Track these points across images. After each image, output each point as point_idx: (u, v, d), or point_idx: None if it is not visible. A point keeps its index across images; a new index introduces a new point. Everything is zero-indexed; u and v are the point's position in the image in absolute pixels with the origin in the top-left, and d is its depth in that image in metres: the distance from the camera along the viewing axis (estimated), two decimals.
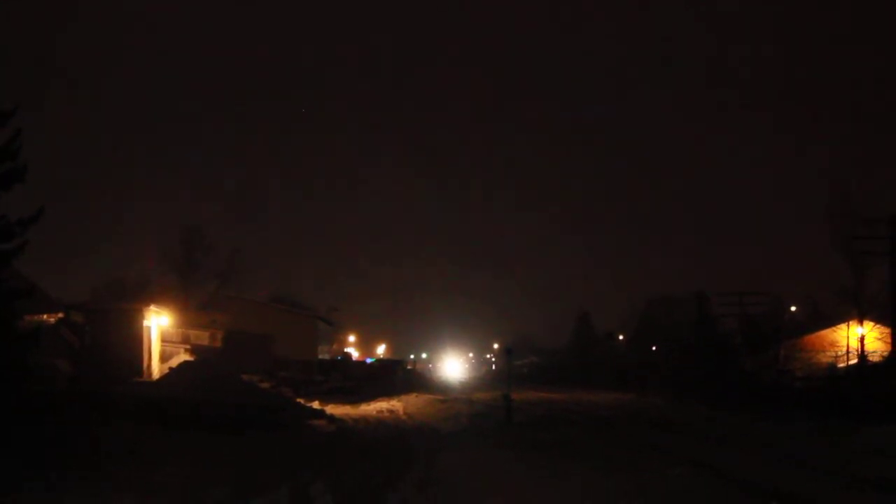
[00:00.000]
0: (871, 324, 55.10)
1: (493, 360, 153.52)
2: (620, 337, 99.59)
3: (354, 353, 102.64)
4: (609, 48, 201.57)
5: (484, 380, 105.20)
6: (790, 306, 75.40)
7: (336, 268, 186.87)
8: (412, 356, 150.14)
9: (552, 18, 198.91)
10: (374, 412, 42.62)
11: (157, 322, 46.32)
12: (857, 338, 54.50)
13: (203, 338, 55.44)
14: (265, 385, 47.02)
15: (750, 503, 15.12)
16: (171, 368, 42.49)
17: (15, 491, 16.39)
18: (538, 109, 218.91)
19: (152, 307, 46.03)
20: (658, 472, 20.09)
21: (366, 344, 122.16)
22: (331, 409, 40.80)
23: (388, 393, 54.55)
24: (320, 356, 71.67)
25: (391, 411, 43.48)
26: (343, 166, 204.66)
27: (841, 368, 54.43)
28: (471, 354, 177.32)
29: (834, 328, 58.53)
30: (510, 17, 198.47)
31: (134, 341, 42.87)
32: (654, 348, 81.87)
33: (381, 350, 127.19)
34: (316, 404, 42.45)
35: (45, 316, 38.77)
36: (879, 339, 53.62)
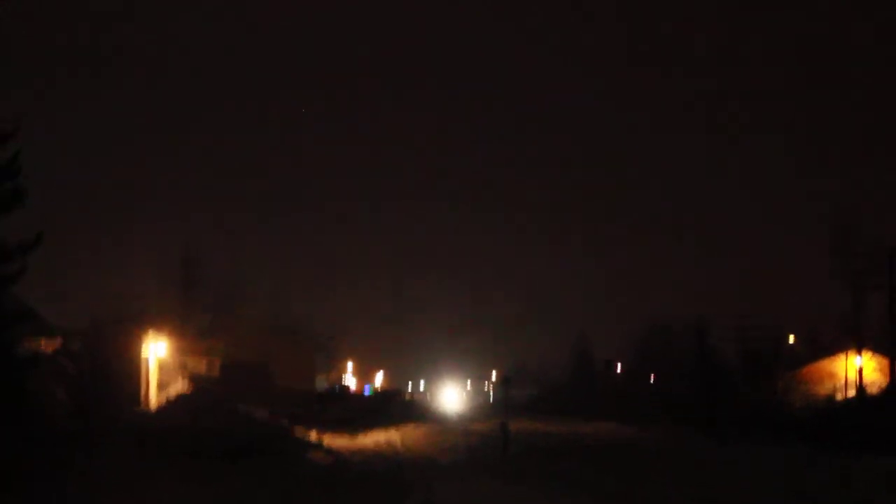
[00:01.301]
0: (870, 353, 55.06)
1: (491, 389, 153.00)
2: (619, 366, 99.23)
3: (352, 383, 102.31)
4: (605, 72, 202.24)
5: (482, 409, 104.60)
6: (789, 336, 75.11)
7: (335, 294, 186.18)
8: (410, 384, 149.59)
9: (550, 39, 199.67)
10: (372, 444, 42.45)
11: (155, 350, 46.19)
12: (855, 369, 54.43)
13: (200, 366, 55.37)
14: (262, 415, 46.86)
15: None
16: (168, 400, 42.41)
17: None
18: (534, 135, 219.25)
19: (150, 334, 45.91)
20: None
21: (363, 371, 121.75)
22: (328, 441, 40.64)
23: (386, 424, 54.34)
24: (318, 384, 71.44)
25: (388, 443, 43.31)
26: (341, 190, 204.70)
27: (839, 401, 54.32)
28: (468, 383, 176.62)
29: (832, 358, 58.48)
30: (517, 30, 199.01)
31: (132, 369, 42.71)
32: (652, 379, 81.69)
33: (378, 377, 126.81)
34: (313, 435, 42.25)
35: (42, 342, 38.67)
36: (878, 370, 53.60)
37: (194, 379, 51.07)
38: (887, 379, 50.84)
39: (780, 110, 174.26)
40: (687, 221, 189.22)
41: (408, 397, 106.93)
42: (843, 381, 55.46)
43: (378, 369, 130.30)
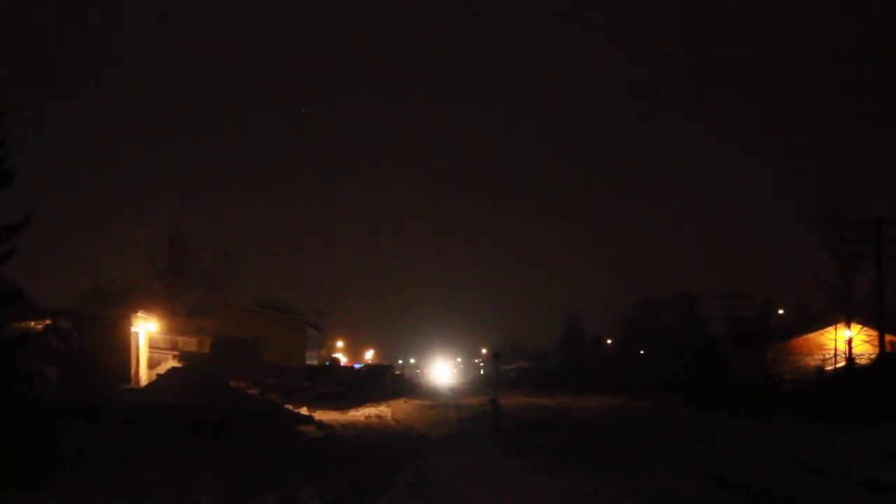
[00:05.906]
0: (859, 326, 55.36)
1: (482, 364, 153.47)
2: (609, 341, 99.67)
3: (343, 359, 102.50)
4: (600, 53, 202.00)
5: (472, 385, 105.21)
6: (778, 309, 75.52)
7: (324, 273, 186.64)
8: (400, 361, 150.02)
9: (553, 19, 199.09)
10: (363, 418, 42.57)
11: (145, 328, 46.22)
12: (844, 340, 54.76)
13: (191, 344, 55.40)
14: (253, 391, 46.94)
15: None
16: (158, 375, 42.37)
17: (1, 495, 16.31)
18: (528, 117, 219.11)
19: (140, 313, 45.94)
20: (648, 474, 20.07)
21: (354, 349, 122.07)
22: (319, 415, 40.73)
23: (377, 398, 54.48)
24: (309, 362, 71.55)
25: (379, 417, 43.44)
26: (329, 166, 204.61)
27: (829, 371, 54.64)
28: (459, 359, 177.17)
29: (822, 331, 58.78)
30: (512, 19, 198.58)
31: (121, 348, 42.76)
32: (642, 351, 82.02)
33: (369, 355, 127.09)
34: (304, 410, 42.37)
35: (31, 322, 38.62)
36: (867, 342, 53.92)
37: (185, 357, 51.08)
38: (876, 349, 51.19)
39: (770, 85, 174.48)
40: (676, 199, 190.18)
41: (398, 372, 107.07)
42: (832, 353, 55.78)
43: (369, 346, 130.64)
